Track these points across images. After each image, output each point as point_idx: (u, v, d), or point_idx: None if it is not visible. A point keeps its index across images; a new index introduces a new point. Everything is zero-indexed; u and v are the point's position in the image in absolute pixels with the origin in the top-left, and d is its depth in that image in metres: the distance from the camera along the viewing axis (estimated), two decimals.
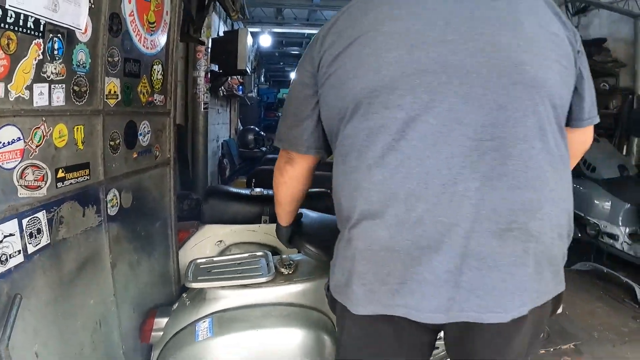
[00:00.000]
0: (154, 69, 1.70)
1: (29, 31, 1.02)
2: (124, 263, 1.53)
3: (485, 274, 0.82)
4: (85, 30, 1.22)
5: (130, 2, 1.46)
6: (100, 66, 1.33)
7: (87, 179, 1.31)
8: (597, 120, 1.05)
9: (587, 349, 2.54)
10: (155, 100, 1.73)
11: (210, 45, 4.60)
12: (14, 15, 0.96)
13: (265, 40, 6.29)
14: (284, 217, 1.32)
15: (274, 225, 1.40)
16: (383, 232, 0.84)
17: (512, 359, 0.92)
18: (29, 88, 1.05)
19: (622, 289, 3.26)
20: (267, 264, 1.51)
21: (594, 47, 5.01)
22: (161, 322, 1.52)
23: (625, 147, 4.78)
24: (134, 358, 1.57)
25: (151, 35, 1.64)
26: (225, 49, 4.66)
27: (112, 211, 1.46)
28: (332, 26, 0.94)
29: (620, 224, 3.60)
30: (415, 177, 0.82)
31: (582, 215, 3.81)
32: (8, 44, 0.96)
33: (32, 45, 1.04)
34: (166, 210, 1.88)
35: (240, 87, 6.51)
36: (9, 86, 0.98)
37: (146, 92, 1.65)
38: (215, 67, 4.83)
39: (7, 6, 0.93)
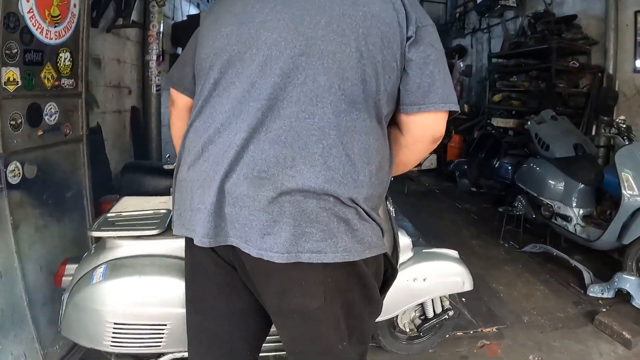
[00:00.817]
0: (60, 57, 1.93)
1: None
2: (28, 226, 1.79)
3: (239, 212, 0.98)
4: None
5: (28, 1, 1.68)
6: None
7: None
8: (433, 108, 1.04)
9: (510, 334, 2.50)
10: (64, 84, 1.97)
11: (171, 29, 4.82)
12: None
13: None
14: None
15: None
16: (184, 167, 1.08)
17: (302, 316, 1.05)
18: None
19: (572, 273, 3.23)
20: (163, 220, 1.71)
21: (564, 25, 5.08)
22: (72, 268, 1.77)
23: (594, 126, 4.72)
24: (39, 309, 1.83)
25: (55, 27, 1.86)
26: (188, 33, 4.83)
27: (14, 180, 1.71)
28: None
29: (574, 205, 3.49)
30: (212, 126, 1.04)
31: (536, 195, 3.77)
32: None
33: None
34: (80, 183, 2.14)
35: None
36: None
37: (51, 77, 1.88)
38: (180, 50, 5.02)
39: None
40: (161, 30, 3.97)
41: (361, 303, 1.10)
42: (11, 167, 1.69)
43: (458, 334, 2.47)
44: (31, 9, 1.71)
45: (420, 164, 6.92)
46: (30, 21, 1.72)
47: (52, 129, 1.92)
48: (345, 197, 0.97)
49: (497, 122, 6.05)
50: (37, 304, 1.83)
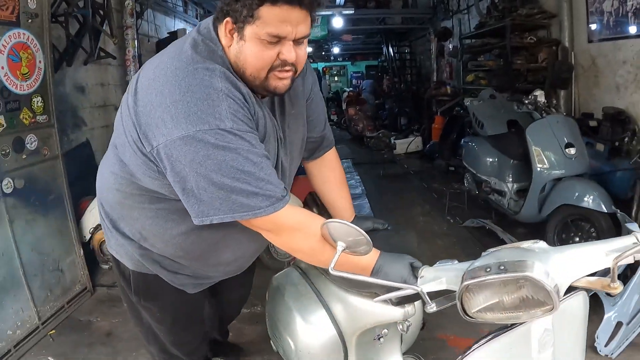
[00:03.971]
0: (34, 101, 2.74)
1: None
2: (20, 220, 2.63)
3: None
4: None
5: (2, 68, 2.49)
6: None
7: None
8: None
9: None
10: (39, 120, 2.78)
11: (155, 46, 5.62)
12: None
13: None
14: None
15: None
16: None
17: None
18: None
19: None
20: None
21: (519, 1, 5.16)
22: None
23: (554, 100, 4.54)
24: (31, 278, 2.66)
25: (26, 81, 2.67)
26: None
27: (8, 190, 2.54)
28: None
29: (508, 180, 3.58)
30: None
31: (475, 172, 3.94)
32: None
33: None
34: (60, 188, 2.96)
35: None
36: None
37: (28, 117, 2.70)
38: None
39: None
40: (137, 53, 4.76)
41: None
42: (5, 182, 2.53)
43: None
44: (6, 73, 2.51)
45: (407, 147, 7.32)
46: (7, 81, 2.52)
47: (33, 153, 2.75)
48: None
49: (467, 101, 6.44)
50: (30, 274, 2.66)
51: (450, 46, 8.45)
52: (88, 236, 3.20)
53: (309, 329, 1.30)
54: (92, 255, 3.26)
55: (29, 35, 2.66)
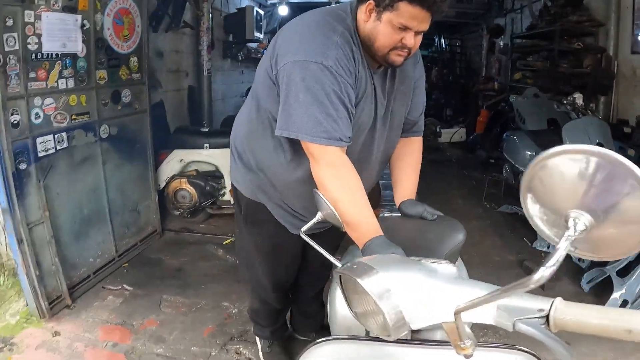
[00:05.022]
0: (131, 60, 3.13)
1: (54, 58, 2.48)
2: (111, 163, 3.05)
3: None
4: (82, 51, 2.67)
5: (109, 29, 2.87)
6: (92, 65, 2.78)
7: (88, 119, 2.80)
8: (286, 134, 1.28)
9: None
10: (133, 77, 3.18)
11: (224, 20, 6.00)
12: (47, 54, 2.42)
13: (283, 10, 7.55)
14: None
15: (214, 149, 2.54)
16: None
17: None
18: (57, 81, 2.52)
19: (534, 232, 3.55)
20: None
21: (570, 7, 5.31)
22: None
23: (592, 104, 4.73)
24: (114, 214, 3.09)
25: (126, 42, 3.06)
26: (237, 23, 6.01)
27: (104, 135, 2.95)
28: None
29: None
30: None
31: (513, 163, 4.11)
32: (44, 66, 2.43)
33: (56, 63, 2.50)
34: (145, 139, 3.37)
35: (264, 50, 7.85)
36: (47, 82, 2.46)
37: (125, 74, 3.09)
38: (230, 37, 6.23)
39: (43, 51, 2.39)
40: (211, 25, 5.14)
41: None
42: (102, 127, 2.94)
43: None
44: (111, 34, 2.90)
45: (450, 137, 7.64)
46: (111, 41, 2.92)
47: (127, 105, 3.15)
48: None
49: (512, 98, 6.54)
50: (113, 211, 3.09)
51: (501, 44, 8.43)
52: (163, 184, 3.62)
53: None
54: (164, 203, 3.67)
55: (131, 2, 3.04)
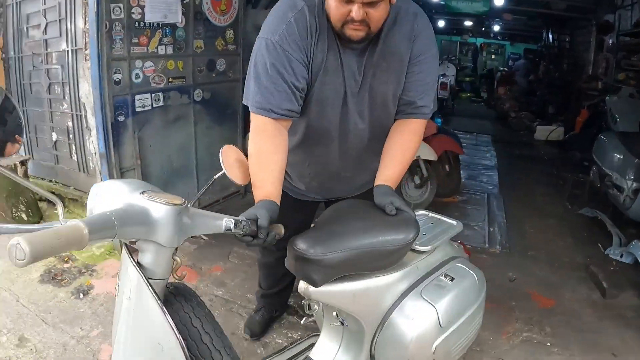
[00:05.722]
0: (227, 32, 3.43)
1: (155, 27, 2.85)
2: (202, 124, 3.41)
3: None
4: (182, 22, 3.01)
5: (207, 3, 3.18)
6: (190, 35, 3.12)
7: (184, 82, 3.17)
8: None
9: (501, 258, 3.14)
10: (229, 48, 3.49)
11: None
12: (149, 24, 2.80)
13: None
14: None
15: None
16: None
17: None
18: (157, 47, 2.90)
19: (609, 238, 3.37)
20: None
21: None
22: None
23: None
24: (200, 169, 3.45)
25: (223, 16, 3.35)
26: None
27: (197, 98, 3.32)
28: None
29: (628, 177, 3.56)
30: None
31: (600, 165, 3.95)
32: (146, 33, 2.81)
33: (157, 31, 2.87)
34: (236, 106, 3.69)
35: None
36: (148, 47, 2.85)
37: (221, 45, 3.40)
38: None
39: (146, 20, 2.77)
40: None
41: None
42: (196, 91, 3.30)
43: (467, 245, 3.25)
44: (209, 8, 3.21)
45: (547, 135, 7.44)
46: (208, 14, 3.23)
47: (221, 73, 3.48)
48: None
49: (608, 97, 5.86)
50: (200, 168, 3.46)
51: (610, 41, 7.44)
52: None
53: None
54: None
55: None
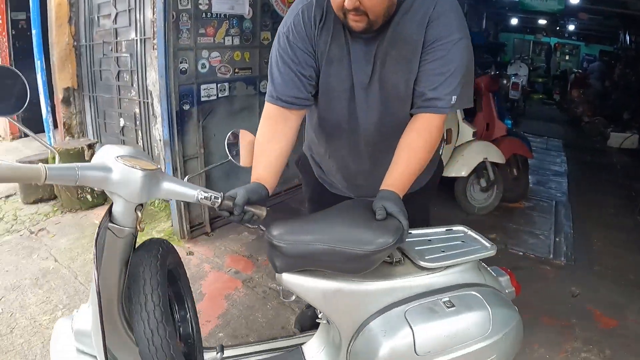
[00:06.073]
0: None
1: (222, 18, 2.91)
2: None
3: None
4: (249, 13, 3.05)
5: None
6: (258, 26, 3.15)
7: (250, 73, 3.22)
8: None
9: (563, 271, 2.96)
10: None
11: None
12: (215, 14, 2.86)
13: None
14: None
15: None
16: None
17: None
18: (224, 38, 2.97)
19: None
20: None
21: None
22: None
23: None
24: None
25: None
26: None
27: (263, 90, 3.33)
28: None
29: None
30: None
31: None
32: (213, 24, 2.88)
33: (224, 22, 2.93)
34: None
35: None
36: (214, 37, 2.92)
37: None
38: None
39: (213, 11, 2.83)
40: None
41: None
42: (262, 83, 3.33)
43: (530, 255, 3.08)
44: (276, 0, 3.22)
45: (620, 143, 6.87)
46: (276, 6, 3.24)
47: None
48: None
49: None
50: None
51: None
52: None
53: None
54: None
55: None
